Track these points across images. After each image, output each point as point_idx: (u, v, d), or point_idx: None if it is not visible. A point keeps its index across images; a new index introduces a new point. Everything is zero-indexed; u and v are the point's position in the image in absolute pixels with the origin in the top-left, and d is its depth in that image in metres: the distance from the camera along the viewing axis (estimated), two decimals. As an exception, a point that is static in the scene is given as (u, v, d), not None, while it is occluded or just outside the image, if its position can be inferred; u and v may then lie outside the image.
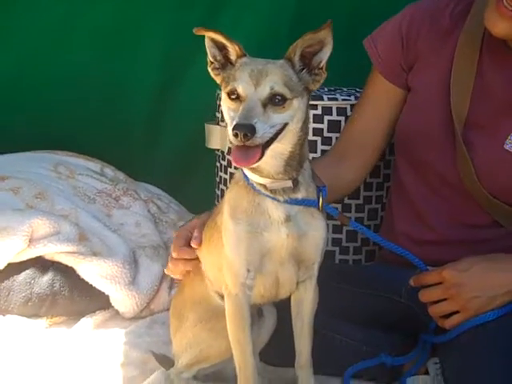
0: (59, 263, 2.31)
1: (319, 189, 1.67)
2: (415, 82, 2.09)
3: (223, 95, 1.58)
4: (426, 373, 1.90)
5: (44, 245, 2.28)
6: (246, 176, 1.64)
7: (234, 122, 1.47)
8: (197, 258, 1.82)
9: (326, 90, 2.49)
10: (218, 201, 2.68)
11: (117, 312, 2.35)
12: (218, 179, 2.69)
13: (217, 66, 1.62)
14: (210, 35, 1.60)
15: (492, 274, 1.81)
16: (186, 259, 1.83)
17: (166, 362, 1.95)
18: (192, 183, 2.97)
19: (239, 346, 1.69)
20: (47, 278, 2.30)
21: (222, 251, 1.68)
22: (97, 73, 2.89)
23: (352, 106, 2.35)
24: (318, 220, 1.66)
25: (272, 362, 1.93)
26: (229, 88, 1.55)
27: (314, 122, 2.33)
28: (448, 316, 1.83)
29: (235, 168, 2.46)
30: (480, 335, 1.77)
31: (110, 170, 2.83)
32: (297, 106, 1.55)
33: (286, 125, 1.54)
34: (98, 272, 2.29)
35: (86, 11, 2.86)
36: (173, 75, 2.92)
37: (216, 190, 2.71)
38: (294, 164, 1.61)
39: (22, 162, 2.71)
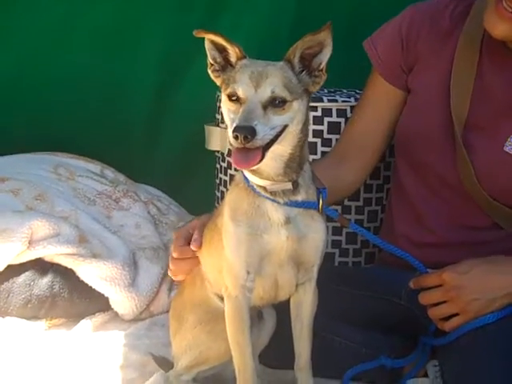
0: (59, 265, 2.31)
1: (319, 191, 1.67)
2: (415, 84, 2.09)
3: (223, 97, 1.57)
4: (426, 375, 1.90)
5: (44, 246, 2.28)
6: (246, 178, 1.64)
7: (235, 124, 1.47)
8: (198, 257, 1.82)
9: (325, 91, 2.49)
10: (217, 202, 2.68)
11: (116, 314, 2.35)
12: (217, 181, 2.69)
13: (217, 68, 1.62)
14: (209, 37, 1.60)
15: (492, 276, 1.81)
16: (187, 258, 1.82)
17: (166, 364, 1.95)
18: (192, 185, 2.97)
19: (239, 348, 1.69)
20: (47, 279, 2.30)
21: (222, 253, 1.68)
22: (97, 74, 2.89)
23: (352, 107, 2.35)
24: (317, 222, 1.66)
25: (271, 364, 1.93)
26: (229, 90, 1.55)
27: (313, 124, 2.33)
28: (448, 318, 1.83)
29: (235, 170, 2.46)
30: (480, 338, 1.77)
31: (110, 172, 2.82)
32: (297, 107, 1.55)
33: (285, 127, 1.54)
34: (97, 274, 2.29)
35: (86, 12, 2.86)
36: (173, 77, 2.92)
37: (216, 191, 2.71)
38: (293, 166, 1.61)
39: (22, 164, 2.71)
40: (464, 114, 1.98)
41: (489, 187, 1.96)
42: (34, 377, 1.98)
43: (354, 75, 2.42)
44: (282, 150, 1.57)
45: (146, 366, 2.03)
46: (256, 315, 1.81)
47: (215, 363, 1.82)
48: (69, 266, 2.30)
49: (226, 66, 1.61)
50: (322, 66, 1.59)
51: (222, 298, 1.74)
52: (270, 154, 1.52)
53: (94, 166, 2.82)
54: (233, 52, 1.59)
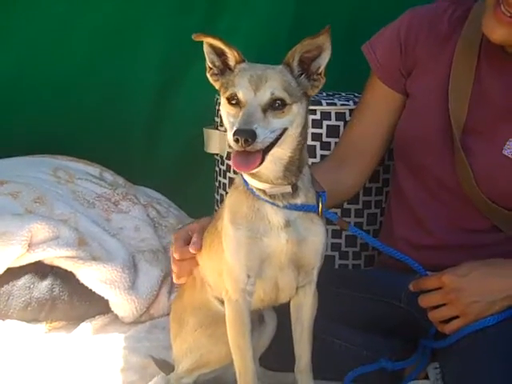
0: (58, 268, 2.31)
1: (318, 194, 1.67)
2: (414, 88, 2.10)
3: (222, 100, 1.58)
4: (426, 378, 1.90)
5: (43, 249, 2.28)
6: (245, 181, 1.64)
7: (235, 128, 1.47)
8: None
9: (324, 94, 2.50)
10: (217, 205, 2.69)
11: (116, 317, 2.35)
12: (217, 184, 2.69)
13: (215, 71, 1.63)
14: (208, 41, 1.60)
15: (491, 279, 1.81)
16: (189, 258, 1.82)
17: (166, 366, 1.95)
18: (191, 188, 2.97)
19: (239, 351, 1.69)
20: (46, 282, 2.30)
21: (222, 257, 1.68)
22: (96, 77, 2.89)
23: (351, 110, 2.35)
24: (317, 225, 1.67)
25: (272, 366, 1.93)
26: (228, 93, 1.55)
27: (312, 127, 2.33)
28: (448, 321, 1.83)
29: (234, 173, 2.48)
30: (480, 340, 1.77)
31: (109, 175, 2.83)
32: (296, 110, 1.55)
33: (285, 130, 1.54)
34: (97, 277, 2.29)
35: (85, 15, 2.86)
36: (172, 79, 2.92)
37: (215, 194, 2.71)
38: (293, 169, 1.61)
39: (22, 167, 2.71)
40: (462, 118, 1.99)
41: (488, 190, 1.96)
42: (34, 380, 1.98)
43: (352, 79, 2.43)
44: (281, 153, 1.58)
45: (146, 368, 2.03)
46: (257, 319, 1.81)
47: (216, 366, 1.82)
48: (68, 269, 2.30)
49: (224, 69, 1.62)
50: (320, 70, 1.59)
51: (222, 302, 1.74)
52: (269, 157, 1.52)
53: (93, 169, 2.82)
54: (231, 56, 1.60)
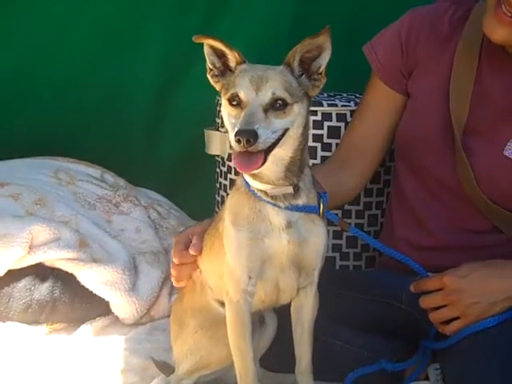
0: (59, 270, 2.31)
1: (320, 195, 1.67)
2: (414, 88, 2.10)
3: (223, 101, 1.58)
4: (427, 378, 1.90)
5: (44, 251, 2.28)
6: (246, 183, 1.64)
7: (236, 129, 1.47)
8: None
9: (325, 95, 2.50)
10: (218, 207, 2.68)
11: (117, 318, 2.35)
12: (218, 185, 2.69)
13: (216, 73, 1.63)
14: (209, 42, 1.60)
15: (492, 280, 1.81)
16: (189, 263, 1.82)
17: (167, 368, 1.95)
18: (192, 189, 2.97)
19: (240, 353, 1.69)
20: (47, 284, 2.30)
21: (223, 258, 1.68)
22: (96, 77, 2.89)
23: (352, 111, 2.35)
24: (318, 226, 1.66)
25: (272, 368, 1.93)
26: (229, 94, 1.55)
27: (313, 128, 2.33)
28: (448, 322, 1.83)
29: (235, 174, 2.48)
30: (480, 341, 1.77)
31: (110, 176, 2.83)
32: (297, 111, 1.55)
33: (286, 130, 1.54)
34: (98, 278, 2.29)
35: (86, 14, 2.86)
36: (173, 81, 2.92)
37: (216, 195, 2.71)
38: (294, 170, 1.61)
39: (22, 169, 2.71)
40: (463, 119, 1.98)
41: (488, 191, 1.96)
42: (34, 382, 1.98)
43: (353, 79, 2.43)
44: (282, 154, 1.57)
45: (146, 370, 2.03)
46: (257, 320, 1.81)
47: (216, 368, 1.82)
48: (69, 271, 2.30)
49: (225, 70, 1.62)
50: (321, 70, 1.60)
51: (222, 304, 1.74)
52: (270, 157, 1.52)
53: (94, 171, 2.82)
54: (232, 57, 1.60)
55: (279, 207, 1.62)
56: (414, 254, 1.91)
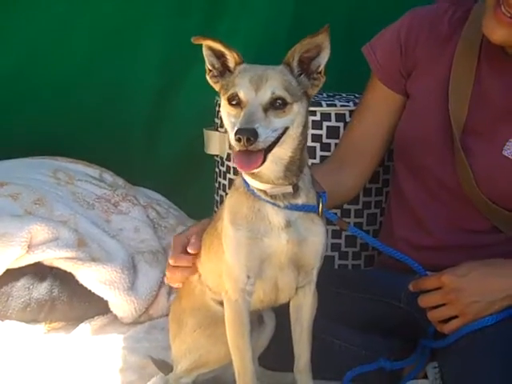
0: (58, 269, 2.31)
1: (319, 194, 1.67)
2: (414, 89, 2.10)
3: (223, 102, 1.58)
4: (425, 377, 1.90)
5: (43, 251, 2.28)
6: (245, 182, 1.64)
7: (236, 127, 1.47)
8: (194, 265, 1.81)
9: (324, 95, 2.50)
10: (217, 206, 2.69)
11: (115, 317, 2.35)
12: (216, 185, 2.69)
13: (215, 73, 1.63)
14: (208, 43, 1.60)
15: (491, 279, 1.81)
16: (183, 266, 1.82)
17: (165, 367, 1.95)
18: (191, 189, 2.97)
19: (238, 351, 1.69)
20: (46, 283, 2.30)
21: (222, 257, 1.68)
22: (96, 77, 2.89)
23: (351, 112, 2.35)
24: (317, 225, 1.67)
25: (271, 366, 1.93)
26: (229, 93, 1.55)
27: (312, 128, 2.33)
28: (447, 321, 1.83)
29: (234, 174, 2.48)
30: (479, 340, 1.77)
31: (108, 176, 2.83)
32: (297, 110, 1.55)
33: (286, 129, 1.55)
34: (96, 277, 2.29)
35: (86, 14, 2.85)
36: (171, 81, 2.92)
37: (215, 195, 2.71)
38: (293, 169, 1.61)
39: (21, 168, 2.71)
40: (462, 119, 1.99)
41: (488, 191, 1.96)
42: (33, 380, 1.98)
43: (352, 80, 2.43)
44: (282, 153, 1.58)
45: (145, 368, 2.03)
46: (256, 319, 1.82)
47: (215, 366, 1.82)
48: (68, 270, 2.30)
49: (224, 71, 1.62)
50: (320, 69, 1.60)
51: (221, 304, 1.74)
52: (270, 157, 1.52)
53: (93, 170, 2.82)
54: (231, 57, 1.60)
55: (279, 206, 1.62)
56: (413, 254, 1.91)
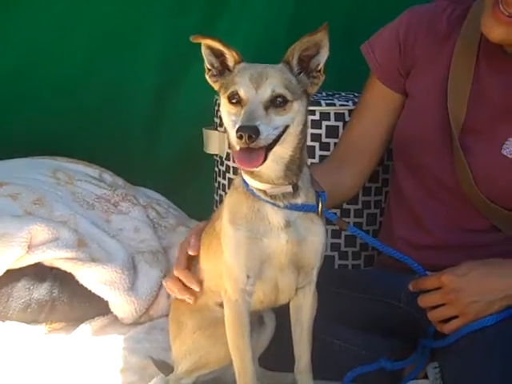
0: (58, 269, 2.31)
1: (318, 194, 1.67)
2: (412, 88, 2.10)
3: (222, 100, 1.58)
4: (426, 377, 1.90)
5: (43, 251, 2.28)
6: (245, 182, 1.64)
7: (238, 125, 1.47)
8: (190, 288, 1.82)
9: (323, 94, 2.50)
10: (216, 206, 2.69)
11: (116, 318, 2.35)
12: (216, 184, 2.69)
13: (214, 73, 1.63)
14: (207, 42, 1.60)
15: (490, 278, 1.81)
16: (183, 284, 1.83)
17: (165, 367, 1.95)
18: (191, 188, 2.97)
19: (238, 352, 1.69)
20: (46, 284, 2.29)
21: (221, 258, 1.68)
22: (96, 77, 2.89)
23: (350, 111, 2.35)
24: (317, 225, 1.67)
25: (271, 367, 1.93)
26: (229, 92, 1.55)
27: (312, 128, 2.32)
28: (447, 321, 1.83)
29: (234, 173, 2.48)
30: (479, 340, 1.77)
31: (108, 176, 2.83)
32: (297, 108, 1.56)
33: (286, 128, 1.55)
34: (96, 278, 2.29)
35: (86, 14, 2.85)
36: (171, 81, 2.92)
37: (215, 195, 2.71)
38: (293, 168, 1.61)
39: (21, 168, 2.71)
40: (461, 118, 1.99)
41: (486, 190, 1.96)
42: (33, 381, 1.98)
43: (352, 79, 2.43)
44: (282, 152, 1.58)
45: (145, 369, 2.03)
46: (256, 320, 1.81)
47: (215, 367, 1.82)
48: (68, 270, 2.30)
49: (223, 70, 1.62)
50: (320, 67, 1.60)
51: (220, 305, 1.74)
52: (271, 156, 1.52)
53: (93, 170, 2.82)
54: (230, 56, 1.60)
55: (278, 206, 1.62)
56: (412, 253, 1.91)
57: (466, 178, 1.97)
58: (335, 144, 2.32)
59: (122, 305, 2.31)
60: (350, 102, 2.41)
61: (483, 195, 1.96)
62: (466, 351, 1.77)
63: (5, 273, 2.23)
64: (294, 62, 1.59)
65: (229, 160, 2.54)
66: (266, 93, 1.52)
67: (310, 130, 2.32)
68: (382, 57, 2.12)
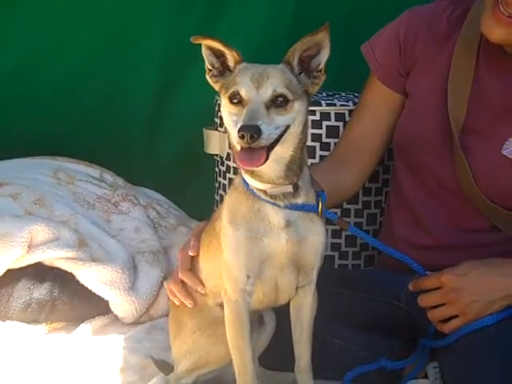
0: (59, 269, 2.31)
1: (318, 194, 1.67)
2: (412, 88, 2.10)
3: (223, 101, 1.58)
4: (426, 377, 1.90)
5: (43, 251, 2.28)
6: (245, 182, 1.64)
7: (239, 125, 1.47)
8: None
9: (324, 95, 2.50)
10: (217, 206, 2.69)
11: (116, 317, 2.35)
12: (216, 184, 2.69)
13: (215, 73, 1.63)
14: (207, 43, 1.61)
15: (490, 278, 1.81)
16: (185, 291, 1.83)
17: (166, 367, 1.95)
18: (191, 188, 2.97)
19: (238, 351, 1.69)
20: (47, 283, 2.30)
21: (220, 258, 1.68)
22: (96, 77, 2.89)
23: (350, 111, 2.36)
24: (317, 225, 1.67)
25: (271, 366, 1.93)
26: (230, 92, 1.55)
27: (312, 128, 2.33)
28: (447, 320, 1.83)
29: (234, 173, 2.48)
30: (479, 339, 1.77)
31: (109, 176, 2.83)
32: (298, 108, 1.56)
33: (287, 127, 1.55)
34: (97, 277, 2.29)
35: (86, 14, 2.86)
36: (171, 80, 2.93)
37: (215, 195, 2.72)
38: (294, 168, 1.61)
39: (22, 168, 2.71)
40: (461, 118, 1.99)
41: (487, 190, 1.96)
42: (34, 380, 1.98)
43: (352, 79, 2.43)
44: (283, 152, 1.58)
45: (145, 368, 2.04)
46: (256, 319, 1.82)
47: (215, 367, 1.82)
48: (68, 270, 2.30)
49: (224, 70, 1.63)
50: (320, 67, 1.60)
51: (220, 305, 1.74)
52: (272, 155, 1.52)
53: (93, 170, 2.82)
54: (231, 56, 1.60)
55: (279, 206, 1.62)
56: (413, 253, 1.91)
57: (466, 177, 1.97)
58: (335, 144, 2.32)
59: (123, 304, 2.31)
60: (351, 102, 2.41)
61: (483, 195, 1.96)
62: (466, 351, 1.77)
63: (5, 272, 2.24)
64: (295, 62, 1.59)
65: (229, 160, 2.55)
66: (267, 93, 1.52)
67: (311, 130, 2.31)
68: (382, 57, 2.12)
